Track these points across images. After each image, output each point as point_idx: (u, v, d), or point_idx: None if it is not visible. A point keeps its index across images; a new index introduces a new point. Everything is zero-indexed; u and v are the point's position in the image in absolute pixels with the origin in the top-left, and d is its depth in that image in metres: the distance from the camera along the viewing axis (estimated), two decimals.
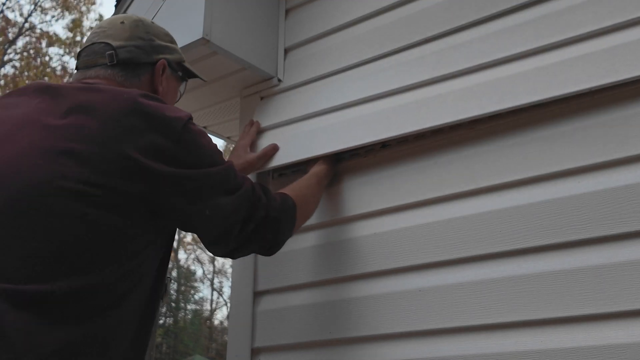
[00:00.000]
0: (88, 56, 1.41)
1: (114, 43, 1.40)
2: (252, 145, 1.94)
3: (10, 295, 1.05)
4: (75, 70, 1.43)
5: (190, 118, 1.28)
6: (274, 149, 1.88)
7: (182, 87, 1.57)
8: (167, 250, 1.33)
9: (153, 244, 1.25)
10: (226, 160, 1.36)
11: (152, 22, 1.50)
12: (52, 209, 1.11)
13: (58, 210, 1.11)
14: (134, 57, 1.41)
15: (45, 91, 1.29)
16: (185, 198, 1.24)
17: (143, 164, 1.16)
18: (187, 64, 1.56)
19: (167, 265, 1.35)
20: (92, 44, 1.42)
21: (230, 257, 1.44)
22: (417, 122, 1.64)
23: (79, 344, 1.08)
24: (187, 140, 1.24)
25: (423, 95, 1.69)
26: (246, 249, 1.42)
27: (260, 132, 2.01)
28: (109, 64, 1.39)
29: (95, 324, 1.12)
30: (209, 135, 1.39)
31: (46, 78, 14.95)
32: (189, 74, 1.57)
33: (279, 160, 1.87)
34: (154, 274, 1.28)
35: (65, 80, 15.39)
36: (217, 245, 1.37)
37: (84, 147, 1.15)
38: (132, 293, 1.20)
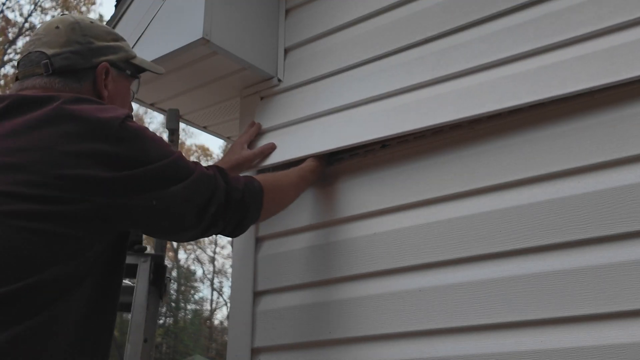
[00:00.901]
0: (25, 66, 1.36)
1: (49, 51, 1.35)
2: (250, 144, 1.95)
3: None
4: (15, 81, 1.39)
5: (128, 116, 1.24)
6: (271, 148, 1.89)
7: (134, 85, 1.51)
8: (117, 252, 1.28)
9: (94, 246, 1.20)
10: (175, 151, 1.32)
11: (92, 22, 1.43)
12: None
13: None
14: (71, 64, 1.35)
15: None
16: (130, 198, 1.21)
17: (81, 173, 1.14)
18: (136, 60, 1.50)
19: (120, 268, 1.30)
20: (29, 53, 1.37)
21: (192, 240, 1.43)
22: (417, 121, 1.64)
23: (8, 346, 1.06)
24: (126, 139, 1.20)
25: (423, 95, 1.69)
26: (208, 232, 1.39)
27: (260, 133, 2.01)
28: (44, 74, 1.34)
29: (24, 326, 1.08)
30: (152, 130, 1.34)
31: None
32: (138, 70, 1.52)
33: (275, 158, 1.87)
34: (99, 277, 1.23)
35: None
36: (176, 233, 1.36)
37: (18, 160, 1.14)
38: (69, 295, 1.16)
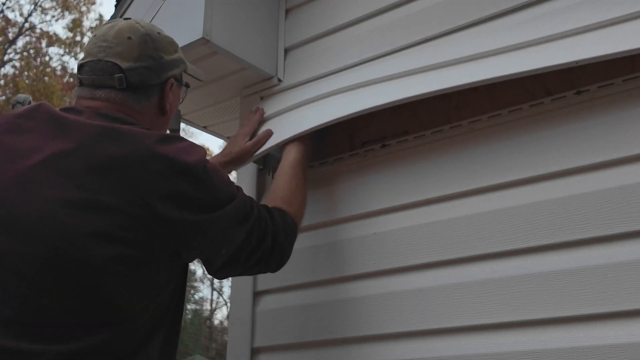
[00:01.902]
0: (94, 74, 1.35)
1: (123, 65, 1.34)
2: (253, 134, 1.91)
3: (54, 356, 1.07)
4: (79, 84, 1.38)
5: (206, 155, 1.30)
6: (267, 135, 1.85)
7: (183, 94, 1.54)
8: (182, 283, 1.34)
9: (171, 280, 1.27)
10: (236, 186, 1.38)
11: (159, 33, 1.43)
12: (77, 262, 1.13)
13: (83, 263, 1.13)
14: (144, 80, 1.37)
15: (58, 126, 1.25)
16: (205, 240, 1.28)
17: (166, 214, 1.19)
18: (189, 71, 1.53)
19: (184, 296, 1.36)
20: (99, 60, 1.35)
21: (236, 275, 1.48)
22: (406, 91, 1.63)
23: None
24: (206, 182, 1.26)
25: (416, 79, 1.66)
26: (251, 272, 1.47)
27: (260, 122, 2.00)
28: (118, 87, 1.34)
29: None
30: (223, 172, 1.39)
31: (46, 78, 14.94)
32: (187, 80, 1.56)
33: (270, 143, 1.84)
34: (172, 308, 1.29)
35: (65, 80, 15.39)
36: (223, 273, 1.39)
37: (107, 199, 1.15)
38: (156, 332, 1.22)
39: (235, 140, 1.86)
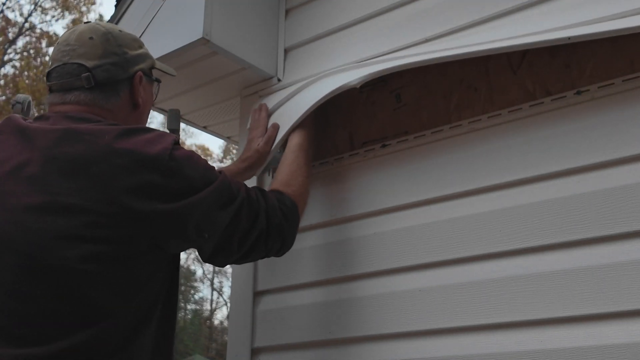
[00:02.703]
0: (62, 78, 1.36)
1: (88, 64, 1.35)
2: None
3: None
4: (49, 92, 1.40)
5: (175, 142, 1.27)
6: (275, 129, 1.83)
7: (155, 89, 1.54)
8: (172, 277, 1.33)
9: (156, 274, 1.26)
10: (218, 171, 1.36)
11: (120, 31, 1.44)
12: (52, 266, 1.13)
13: (57, 267, 1.13)
14: (111, 76, 1.37)
15: (23, 135, 1.27)
16: (183, 228, 1.25)
17: (135, 207, 1.17)
18: (157, 66, 1.53)
19: (177, 289, 1.35)
20: (64, 64, 1.36)
21: (236, 264, 1.46)
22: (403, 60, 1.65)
23: None
24: (175, 169, 1.23)
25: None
26: (252, 257, 1.44)
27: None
28: (86, 86, 1.35)
29: None
30: (197, 151, 1.40)
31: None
32: (158, 75, 1.55)
33: (279, 136, 1.83)
34: (161, 302, 1.28)
35: None
36: (217, 258, 1.38)
37: (72, 200, 1.16)
38: (143, 327, 1.22)
39: (249, 145, 1.86)
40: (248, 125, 1.95)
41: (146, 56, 1.48)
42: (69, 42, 1.38)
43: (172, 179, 1.22)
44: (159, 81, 1.54)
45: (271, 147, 1.81)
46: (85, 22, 1.45)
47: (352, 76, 1.72)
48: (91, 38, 1.38)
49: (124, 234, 1.17)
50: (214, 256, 1.37)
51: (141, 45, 1.48)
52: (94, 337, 1.13)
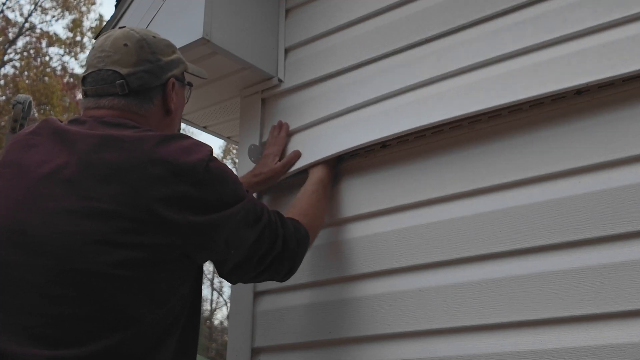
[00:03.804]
0: (97, 84, 1.38)
1: (123, 71, 1.37)
2: (282, 152, 1.92)
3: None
4: (84, 96, 1.42)
5: (211, 153, 1.29)
6: (296, 156, 1.87)
7: (187, 93, 1.55)
8: (197, 286, 1.34)
9: (183, 282, 1.27)
10: (247, 193, 1.37)
11: (154, 37, 1.45)
12: (85, 270, 1.14)
13: (90, 271, 1.14)
14: (144, 84, 1.39)
15: (61, 138, 1.29)
16: (212, 241, 1.28)
17: (169, 217, 1.19)
18: (189, 70, 1.54)
19: (200, 298, 1.36)
20: (99, 70, 1.38)
21: (244, 282, 1.49)
22: (417, 120, 1.65)
23: None
24: (209, 182, 1.25)
25: (423, 94, 1.69)
26: (262, 278, 1.47)
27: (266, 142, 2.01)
28: (120, 93, 1.37)
29: None
30: (230, 167, 1.41)
31: (46, 78, 14.93)
32: (190, 79, 1.56)
33: (298, 164, 1.86)
34: (187, 310, 1.29)
35: (65, 80, 15.39)
36: (234, 276, 1.41)
37: (109, 206, 1.17)
38: (168, 335, 1.23)
39: (265, 161, 1.88)
40: (262, 139, 1.99)
41: (179, 61, 1.48)
42: (104, 48, 1.39)
43: (205, 191, 1.25)
44: (190, 85, 1.55)
45: (287, 170, 1.86)
46: (120, 27, 1.46)
47: (379, 131, 1.73)
48: (125, 45, 1.39)
49: (156, 242, 1.19)
50: (233, 272, 1.39)
51: (175, 51, 1.49)
52: (122, 342, 1.14)
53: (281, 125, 1.96)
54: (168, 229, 1.19)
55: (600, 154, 1.40)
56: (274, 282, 1.83)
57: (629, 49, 1.39)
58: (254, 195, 1.85)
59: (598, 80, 1.40)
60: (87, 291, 1.14)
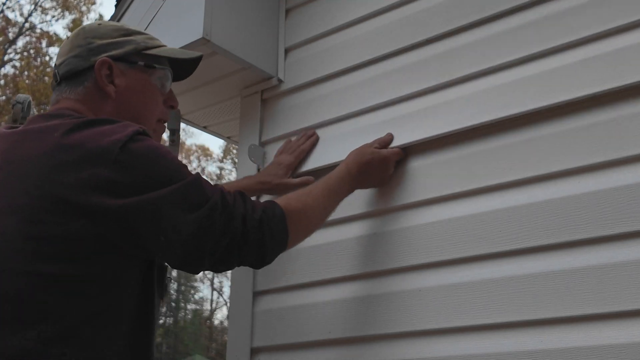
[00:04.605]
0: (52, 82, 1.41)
1: (57, 61, 1.37)
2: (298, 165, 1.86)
3: None
4: None
5: (135, 134, 1.17)
6: (309, 182, 1.78)
7: (154, 77, 1.40)
8: (143, 279, 1.24)
9: (118, 278, 1.19)
10: (194, 172, 1.24)
11: (100, 24, 1.39)
12: (10, 269, 1.12)
13: (15, 270, 1.11)
14: (71, 68, 1.34)
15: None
16: (135, 227, 1.15)
17: (79, 202, 1.12)
18: (155, 50, 1.41)
19: (151, 294, 1.26)
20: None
21: (210, 271, 1.30)
22: (424, 131, 1.66)
23: None
24: (127, 163, 1.14)
25: (427, 103, 1.68)
26: (225, 265, 1.27)
27: (265, 142, 2.01)
28: (55, 84, 1.36)
29: None
30: (163, 147, 1.26)
31: (46, 78, 14.93)
32: (156, 60, 1.41)
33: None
34: (130, 307, 1.21)
35: None
36: (188, 267, 1.24)
37: (24, 201, 1.14)
38: (102, 332, 1.16)
39: (275, 170, 1.80)
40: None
41: (126, 42, 1.37)
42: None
43: (122, 173, 1.13)
44: (150, 66, 1.39)
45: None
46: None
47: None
48: (67, 37, 1.40)
49: (80, 233, 1.12)
50: (182, 264, 1.23)
51: (126, 34, 1.39)
52: (39, 338, 1.09)
53: (310, 136, 1.86)
54: (80, 216, 1.11)
55: (600, 154, 1.39)
56: (274, 282, 1.84)
57: (637, 56, 1.38)
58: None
59: (605, 90, 1.40)
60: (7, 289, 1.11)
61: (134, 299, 1.22)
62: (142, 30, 1.45)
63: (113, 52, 1.35)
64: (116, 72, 1.35)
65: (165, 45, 1.46)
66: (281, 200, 1.37)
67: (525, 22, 1.57)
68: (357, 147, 1.64)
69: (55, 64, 1.38)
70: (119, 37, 1.37)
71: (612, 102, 1.41)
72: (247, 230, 1.25)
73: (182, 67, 1.49)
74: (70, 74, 1.34)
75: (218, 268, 1.27)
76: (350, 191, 1.59)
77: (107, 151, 1.14)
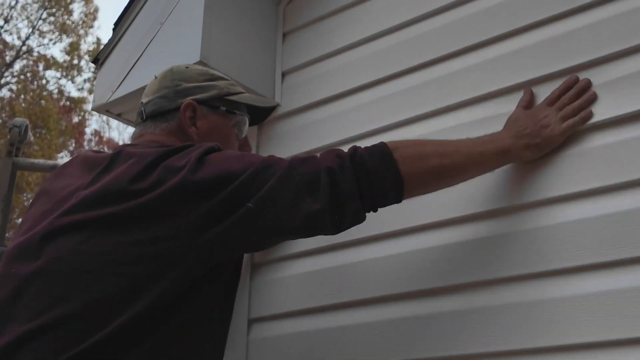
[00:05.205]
0: (136, 118, 1.50)
1: (144, 100, 1.46)
2: None
3: None
4: None
5: (210, 150, 1.24)
6: None
7: (233, 122, 1.49)
8: (224, 282, 1.31)
9: (201, 290, 1.23)
10: (261, 157, 1.26)
11: (187, 67, 1.48)
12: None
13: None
14: (157, 108, 1.43)
15: (84, 162, 1.37)
16: (229, 217, 1.18)
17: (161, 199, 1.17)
18: (236, 97, 1.50)
19: (229, 301, 1.36)
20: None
21: (331, 229, 1.21)
22: None
23: None
24: (201, 171, 1.19)
25: (426, 129, 1.67)
26: (338, 209, 1.17)
27: None
28: (141, 121, 1.44)
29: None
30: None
31: (43, 102, 14.95)
32: (236, 106, 1.50)
33: None
34: (207, 311, 1.26)
35: (61, 103, 15.41)
36: (300, 224, 1.18)
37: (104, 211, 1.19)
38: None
39: None
40: None
41: (211, 87, 1.47)
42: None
43: (202, 176, 1.21)
44: (231, 112, 1.49)
45: None
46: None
47: None
48: (155, 77, 1.49)
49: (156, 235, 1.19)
50: (296, 220, 1.18)
51: (211, 79, 1.49)
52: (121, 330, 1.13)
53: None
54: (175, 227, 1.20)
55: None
56: (269, 309, 1.80)
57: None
58: None
59: (604, 120, 1.38)
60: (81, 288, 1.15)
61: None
62: (225, 76, 1.55)
63: (198, 96, 1.44)
64: (199, 115, 1.43)
65: (244, 92, 1.54)
66: (393, 143, 1.26)
67: (522, 46, 1.57)
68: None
69: (141, 102, 1.47)
70: (204, 81, 1.47)
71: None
72: (344, 164, 1.17)
73: (257, 113, 1.61)
74: (156, 113, 1.43)
75: (335, 213, 1.17)
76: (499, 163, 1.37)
77: (188, 156, 1.22)
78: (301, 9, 2.08)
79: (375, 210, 1.25)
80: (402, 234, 1.62)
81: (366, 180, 1.19)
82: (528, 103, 1.45)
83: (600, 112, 1.39)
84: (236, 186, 1.18)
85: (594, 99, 1.39)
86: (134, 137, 1.46)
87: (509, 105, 1.52)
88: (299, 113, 1.99)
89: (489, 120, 1.55)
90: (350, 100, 1.87)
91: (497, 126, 1.47)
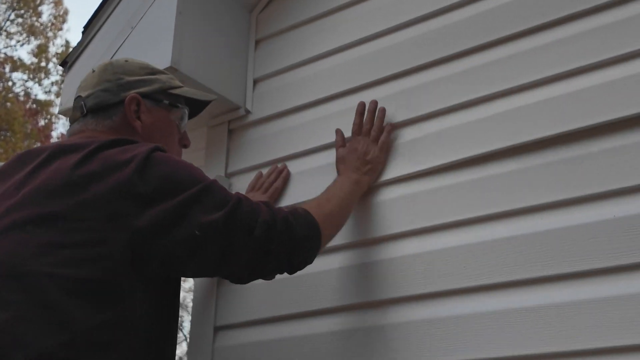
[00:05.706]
0: (71, 113, 1.45)
1: (83, 93, 1.42)
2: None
3: None
4: None
5: (154, 150, 1.24)
6: None
7: (175, 115, 1.49)
8: (165, 299, 1.28)
9: (135, 292, 1.20)
10: (208, 178, 1.28)
11: (127, 61, 1.47)
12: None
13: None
14: (100, 102, 1.40)
15: (19, 159, 1.34)
16: (169, 232, 1.19)
17: (114, 211, 1.16)
18: (178, 90, 1.50)
19: (172, 315, 1.32)
20: (74, 101, 1.44)
21: (257, 278, 1.35)
22: (402, 168, 1.65)
23: None
24: (150, 173, 1.19)
25: (394, 139, 1.68)
26: (262, 261, 1.29)
27: (231, 173, 1.97)
28: (81, 115, 1.40)
29: None
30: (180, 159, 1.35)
31: (8, 104, 14.65)
32: (177, 99, 1.50)
33: None
34: (147, 328, 1.22)
35: (27, 106, 15.13)
36: (226, 268, 1.28)
37: (53, 209, 1.16)
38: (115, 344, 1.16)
39: None
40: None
41: (153, 81, 1.45)
42: (80, 80, 1.47)
43: (147, 183, 1.21)
44: (173, 106, 1.48)
45: None
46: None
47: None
48: (93, 71, 1.45)
49: (103, 240, 1.17)
50: (225, 264, 1.27)
51: (152, 72, 1.48)
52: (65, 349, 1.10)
53: (281, 171, 1.85)
54: (116, 225, 1.18)
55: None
56: (235, 317, 1.79)
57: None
58: None
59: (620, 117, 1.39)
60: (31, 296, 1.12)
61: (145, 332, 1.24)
62: (164, 70, 1.56)
63: (142, 89, 1.43)
64: (143, 109, 1.42)
65: (184, 86, 1.54)
66: (316, 208, 1.41)
67: (513, 53, 1.58)
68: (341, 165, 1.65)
69: (79, 96, 1.43)
70: (145, 74, 1.46)
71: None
72: (276, 221, 1.28)
73: (194, 107, 1.58)
74: (99, 107, 1.39)
75: (258, 263, 1.29)
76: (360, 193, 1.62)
77: (130, 161, 1.19)
78: (274, 17, 2.09)
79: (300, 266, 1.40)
80: (362, 244, 1.64)
81: (295, 242, 1.33)
82: (342, 141, 1.70)
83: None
84: (185, 198, 1.20)
85: (384, 114, 1.67)
86: (72, 133, 1.41)
87: (469, 118, 1.56)
88: (270, 120, 1.99)
89: (460, 128, 1.57)
90: (320, 109, 1.88)
91: (473, 133, 1.53)
